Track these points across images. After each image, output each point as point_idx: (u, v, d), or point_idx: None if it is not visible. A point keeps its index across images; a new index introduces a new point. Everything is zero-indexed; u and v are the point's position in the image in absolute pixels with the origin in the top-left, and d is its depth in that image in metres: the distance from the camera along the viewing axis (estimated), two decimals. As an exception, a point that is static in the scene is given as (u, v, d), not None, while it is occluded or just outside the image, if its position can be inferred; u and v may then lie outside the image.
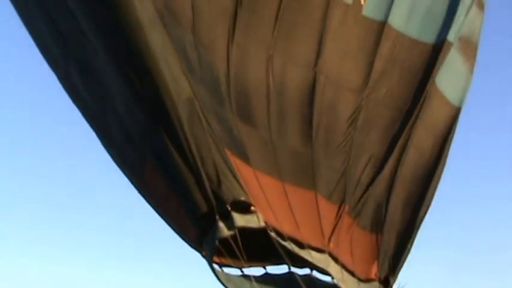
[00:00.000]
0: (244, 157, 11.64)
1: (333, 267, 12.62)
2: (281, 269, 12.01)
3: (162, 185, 11.28)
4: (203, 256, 11.22)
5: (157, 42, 10.76)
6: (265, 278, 12.00)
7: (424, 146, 14.15)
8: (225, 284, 11.18)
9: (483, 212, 32.16)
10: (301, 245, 12.02)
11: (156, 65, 10.75)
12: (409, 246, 13.60)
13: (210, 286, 11.37)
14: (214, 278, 11.19)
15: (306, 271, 12.32)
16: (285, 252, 11.63)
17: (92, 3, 10.92)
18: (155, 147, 11.17)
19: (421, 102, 13.90)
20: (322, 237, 12.59)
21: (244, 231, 11.00)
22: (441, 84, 14.21)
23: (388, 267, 13.56)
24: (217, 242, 10.90)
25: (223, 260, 11.46)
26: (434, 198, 14.03)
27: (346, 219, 13.08)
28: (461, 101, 14.64)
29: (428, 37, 13.97)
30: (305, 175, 12.68)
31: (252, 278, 11.62)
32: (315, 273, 12.42)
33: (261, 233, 11.30)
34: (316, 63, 12.76)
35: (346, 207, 13.10)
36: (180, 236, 11.42)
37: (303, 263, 12.15)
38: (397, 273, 13.61)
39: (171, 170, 11.03)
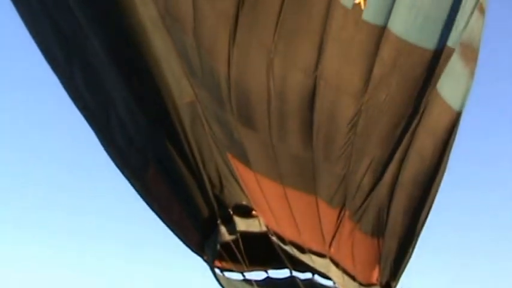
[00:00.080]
0: (245, 161, 11.65)
1: (334, 272, 12.63)
2: (283, 274, 12.00)
3: (164, 189, 11.27)
4: (204, 260, 11.22)
5: (160, 45, 10.74)
6: (267, 282, 11.98)
7: (426, 151, 14.16)
8: (227, 288, 11.20)
9: (484, 215, 32.19)
10: (302, 250, 12.03)
11: (158, 68, 10.74)
12: (410, 250, 13.61)
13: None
14: (216, 282, 11.21)
15: (307, 275, 12.32)
16: (286, 256, 11.63)
17: (95, 6, 10.93)
18: (157, 151, 11.17)
19: (422, 107, 13.91)
20: (323, 242, 12.61)
21: (246, 236, 11.01)
22: (442, 89, 14.21)
23: (390, 271, 13.57)
24: (218, 246, 10.92)
25: (224, 265, 11.46)
26: (435, 203, 14.07)
27: (347, 224, 13.08)
28: (462, 106, 14.65)
29: (429, 43, 13.96)
30: (306, 179, 12.69)
31: (254, 282, 11.63)
32: (317, 278, 12.42)
33: (262, 237, 11.31)
34: (316, 68, 12.76)
35: (347, 212, 13.11)
36: (182, 240, 11.38)
37: (304, 267, 12.16)
38: (399, 278, 13.62)
39: (173, 174, 11.03)
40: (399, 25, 13.62)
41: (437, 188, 14.02)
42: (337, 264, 12.70)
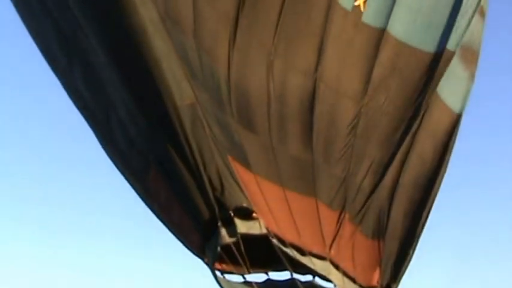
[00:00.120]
0: (246, 163, 11.64)
1: (334, 275, 12.62)
2: (283, 276, 11.99)
3: (165, 191, 11.27)
4: (205, 263, 11.21)
5: (160, 47, 10.74)
6: (268, 284, 11.97)
7: (426, 153, 14.16)
8: (227, 290, 11.20)
9: (485, 218, 32.18)
10: (302, 252, 12.02)
11: (159, 70, 10.74)
12: (411, 253, 13.62)
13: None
14: (217, 285, 11.21)
15: (308, 278, 12.32)
16: (286, 258, 11.63)
17: (95, 7, 10.94)
18: (158, 153, 11.16)
19: (422, 110, 13.93)
20: (323, 244, 12.60)
21: (246, 238, 11.01)
22: (442, 91, 14.22)
23: (390, 274, 13.55)
24: (219, 249, 10.92)
25: (225, 267, 11.46)
26: (435, 204, 14.10)
27: (348, 226, 13.08)
28: (462, 108, 14.67)
29: (428, 45, 13.95)
30: (306, 182, 12.68)
31: (254, 285, 11.63)
32: (317, 280, 12.42)
33: (262, 240, 11.31)
34: (316, 70, 12.75)
35: (347, 215, 13.11)
36: (183, 242, 11.38)
37: (305, 269, 12.15)
38: (399, 280, 13.61)
39: (174, 176, 11.02)
40: (399, 27, 13.62)
41: (437, 190, 14.04)
42: (337, 267, 12.69)
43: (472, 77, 14.97)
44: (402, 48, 13.72)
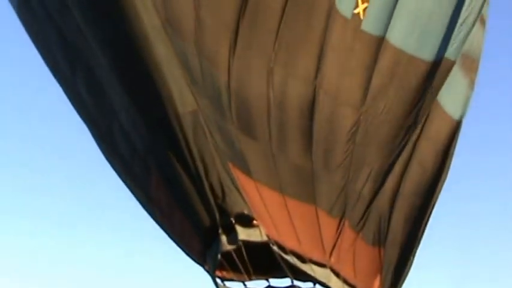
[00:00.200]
0: (246, 170, 11.64)
1: (334, 282, 12.60)
2: (284, 283, 11.99)
3: (166, 197, 11.27)
4: (206, 270, 11.22)
5: (163, 54, 10.75)
6: (268, 291, 12.02)
7: (427, 161, 14.20)
8: (228, 298, 11.21)
9: (484, 226, 32.27)
10: (302, 259, 12.01)
11: (161, 77, 10.76)
12: (411, 259, 13.63)
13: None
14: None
15: (308, 285, 12.32)
16: (287, 266, 11.63)
17: (97, 14, 10.98)
18: (160, 160, 11.18)
19: (421, 117, 13.96)
20: (323, 252, 12.58)
21: (247, 245, 11.01)
22: (441, 98, 14.27)
23: (391, 281, 13.57)
24: (219, 256, 10.93)
25: (225, 274, 11.46)
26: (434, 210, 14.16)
27: (348, 234, 13.08)
28: (462, 115, 14.70)
29: (427, 54, 13.98)
30: (306, 189, 12.68)
31: (255, 291, 11.65)
32: (318, 287, 12.43)
33: (263, 247, 11.31)
34: (316, 77, 12.77)
35: (347, 222, 13.11)
36: (183, 250, 11.40)
37: (305, 276, 12.14)
38: (400, 287, 13.63)
39: (175, 183, 11.02)
40: (397, 35, 13.65)
41: (437, 197, 14.09)
42: (337, 274, 12.67)
43: (471, 84, 15.01)
44: (401, 56, 13.75)
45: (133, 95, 11.10)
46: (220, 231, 10.89)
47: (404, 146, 13.87)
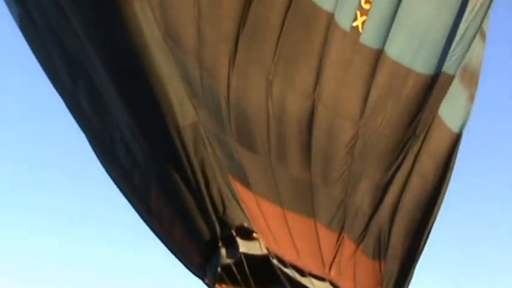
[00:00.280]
0: (246, 183, 11.61)
1: None
2: (284, 295, 11.97)
3: (167, 210, 11.22)
4: (205, 283, 11.19)
5: (163, 66, 10.74)
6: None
7: (427, 174, 14.22)
8: (227, 310, 11.16)
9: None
10: (302, 273, 11.97)
11: (161, 89, 10.73)
12: (411, 272, 13.61)
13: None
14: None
15: (308, 298, 12.29)
16: (287, 279, 11.59)
17: (99, 27, 10.99)
18: (160, 173, 11.15)
19: (419, 131, 13.97)
20: (322, 265, 12.55)
21: (247, 258, 11.00)
22: (441, 111, 14.28)
23: (391, 293, 13.58)
24: (219, 269, 10.90)
25: (225, 287, 11.43)
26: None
27: (348, 247, 13.05)
28: (461, 128, 14.71)
29: (425, 67, 14.01)
30: (305, 202, 12.66)
31: (255, 304, 11.58)
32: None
33: (263, 260, 11.28)
34: (314, 90, 12.78)
35: (347, 235, 13.09)
36: (183, 263, 11.37)
37: (305, 289, 12.14)
38: (400, 300, 13.62)
39: (176, 195, 10.98)
40: (395, 49, 13.67)
41: (438, 210, 14.08)
42: None
43: (471, 97, 15.02)
44: (398, 69, 13.77)
45: (134, 107, 11.08)
46: (220, 244, 10.85)
47: (403, 160, 13.87)
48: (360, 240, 13.27)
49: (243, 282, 11.04)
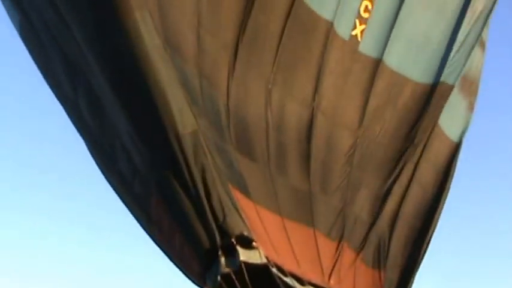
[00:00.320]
0: (245, 191, 11.58)
1: None
2: (284, 304, 11.94)
3: (167, 218, 11.17)
4: (205, 292, 11.17)
5: (163, 74, 10.70)
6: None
7: (427, 182, 14.24)
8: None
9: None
10: (301, 282, 11.94)
11: (162, 97, 10.70)
12: (411, 281, 13.59)
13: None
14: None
15: (308, 307, 12.26)
16: (286, 288, 11.61)
17: (99, 34, 10.98)
18: (160, 180, 11.12)
19: (418, 140, 13.97)
20: (322, 274, 12.55)
21: (246, 266, 10.97)
22: (441, 120, 14.29)
23: (391, 302, 13.55)
24: (219, 278, 10.87)
25: (224, 296, 11.40)
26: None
27: (348, 256, 13.04)
28: (461, 137, 14.72)
29: (423, 76, 14.02)
30: (304, 211, 12.65)
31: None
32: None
33: (262, 268, 11.26)
34: (314, 99, 12.78)
35: (346, 244, 13.08)
36: (183, 271, 11.32)
37: (304, 298, 12.11)
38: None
39: (176, 203, 10.92)
40: (394, 58, 13.68)
41: (438, 218, 14.09)
42: None
43: (471, 106, 15.04)
44: (396, 78, 13.78)
45: (134, 115, 11.06)
46: (220, 252, 10.82)
47: (402, 169, 13.86)
48: (359, 249, 13.27)
49: None
